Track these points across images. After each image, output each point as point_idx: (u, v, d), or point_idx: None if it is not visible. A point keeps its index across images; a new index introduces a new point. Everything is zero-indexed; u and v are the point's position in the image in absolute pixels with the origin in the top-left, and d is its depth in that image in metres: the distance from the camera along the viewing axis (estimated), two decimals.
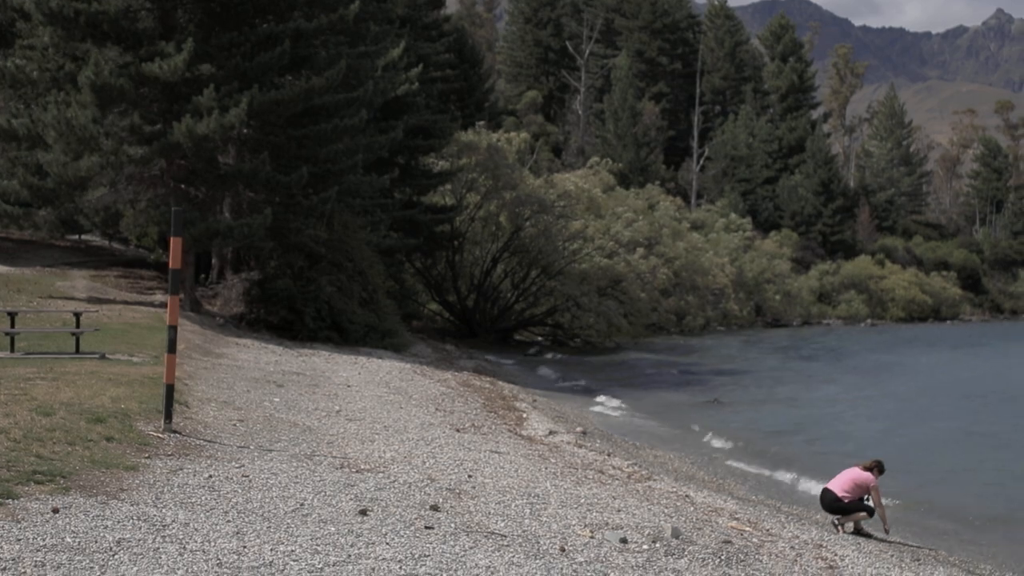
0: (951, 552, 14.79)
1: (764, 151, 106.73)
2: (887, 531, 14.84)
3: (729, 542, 11.38)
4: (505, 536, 10.02)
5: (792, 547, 12.09)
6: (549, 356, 44.59)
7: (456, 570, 8.72)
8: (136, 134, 28.73)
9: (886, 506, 15.04)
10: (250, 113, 27.90)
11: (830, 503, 14.91)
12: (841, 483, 14.89)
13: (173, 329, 13.03)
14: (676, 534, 11.08)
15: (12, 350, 19.02)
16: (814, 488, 18.37)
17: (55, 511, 8.86)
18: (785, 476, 20.21)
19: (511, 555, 9.36)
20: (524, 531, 10.35)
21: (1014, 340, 73.24)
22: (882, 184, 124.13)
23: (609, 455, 18.70)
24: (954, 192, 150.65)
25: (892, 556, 13.15)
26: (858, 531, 14.75)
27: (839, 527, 14.69)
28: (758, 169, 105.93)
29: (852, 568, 11.60)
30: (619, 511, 12.08)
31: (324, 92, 29.68)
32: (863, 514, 14.78)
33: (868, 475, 14.84)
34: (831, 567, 11.39)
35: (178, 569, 7.84)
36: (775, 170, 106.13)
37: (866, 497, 14.84)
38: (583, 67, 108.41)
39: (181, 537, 8.65)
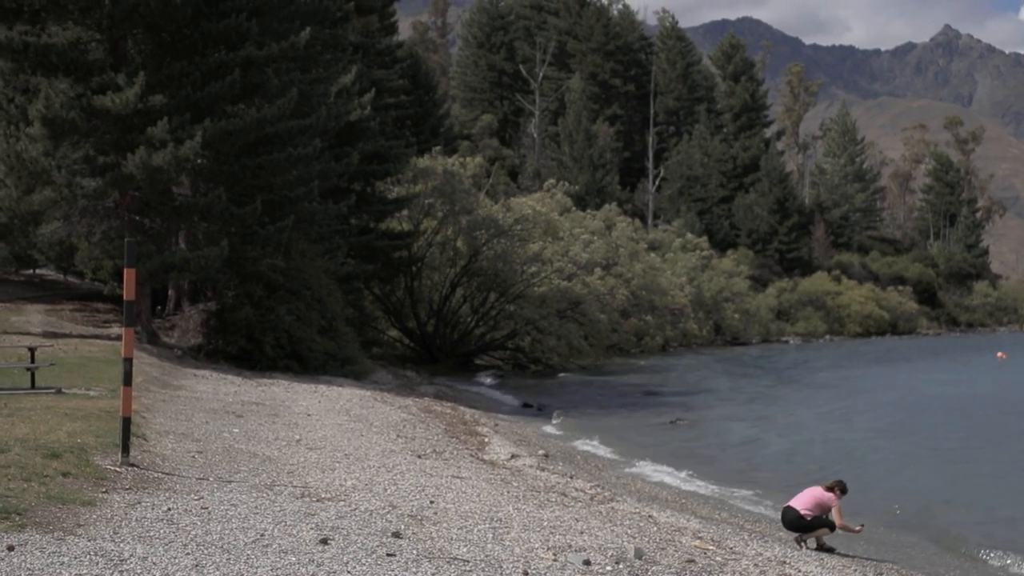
0: (914, 567, 14.86)
1: (719, 170, 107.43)
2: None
3: (692, 561, 11.38)
4: (468, 561, 9.97)
5: (756, 565, 12.10)
6: (511, 380, 44.53)
7: None
8: (89, 166, 28.56)
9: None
10: (204, 144, 27.77)
11: (792, 521, 14.93)
12: (803, 502, 14.91)
13: (128, 361, 12.91)
14: (639, 555, 11.06)
15: None
16: (776, 505, 18.44)
17: (10, 548, 8.73)
18: (747, 494, 20.26)
19: None
20: (487, 556, 10.30)
21: (968, 352, 73.91)
22: (836, 201, 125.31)
23: (572, 477, 18.67)
24: (908, 207, 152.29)
25: (855, 571, 13.19)
26: (821, 547, 14.78)
27: (802, 543, 14.72)
28: (713, 188, 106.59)
29: None
30: (582, 533, 12.05)
31: (277, 121, 29.60)
32: (825, 529, 14.83)
33: (830, 495, 14.89)
34: None
35: None
36: (730, 189, 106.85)
37: (828, 514, 14.89)
38: (537, 90, 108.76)
39: (139, 571, 8.54)
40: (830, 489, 14.98)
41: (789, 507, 15.02)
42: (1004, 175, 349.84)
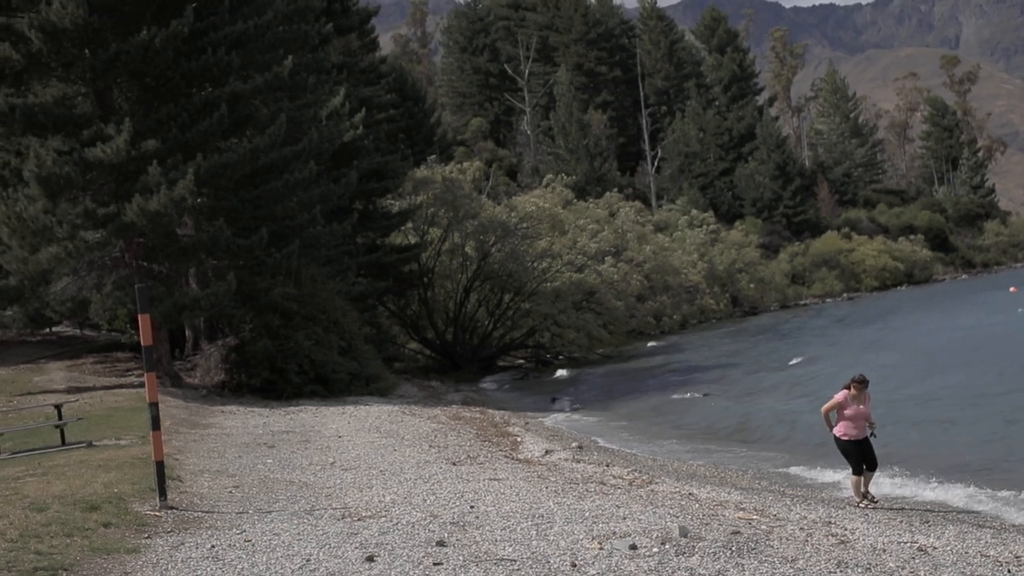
0: (959, 510, 14.85)
1: (716, 144, 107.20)
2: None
3: (738, 533, 11.38)
4: (515, 560, 9.98)
5: (801, 528, 12.10)
6: (536, 378, 44.56)
7: None
8: (90, 219, 28.62)
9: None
10: (199, 181, 27.81)
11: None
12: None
13: (154, 406, 12.95)
14: (684, 533, 11.06)
15: None
16: (813, 470, 18.49)
17: None
18: (783, 460, 20.24)
19: None
20: (533, 553, 10.31)
21: (984, 292, 73.64)
22: (836, 159, 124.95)
23: (608, 465, 18.69)
24: (909, 156, 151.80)
25: (901, 522, 13.18)
26: (870, 500, 14.72)
27: (860, 503, 14.74)
28: (712, 162, 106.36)
29: (864, 539, 11.61)
30: (625, 519, 12.05)
31: (269, 150, 29.64)
32: (854, 478, 14.89)
33: (839, 392, 15.01)
34: (842, 542, 11.40)
35: None
36: (729, 161, 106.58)
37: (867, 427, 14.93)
38: (525, 87, 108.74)
39: None
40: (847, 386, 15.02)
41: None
42: (1000, 112, 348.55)
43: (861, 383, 14.83)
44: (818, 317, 67.79)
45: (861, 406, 14.78)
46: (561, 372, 45.33)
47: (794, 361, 39.49)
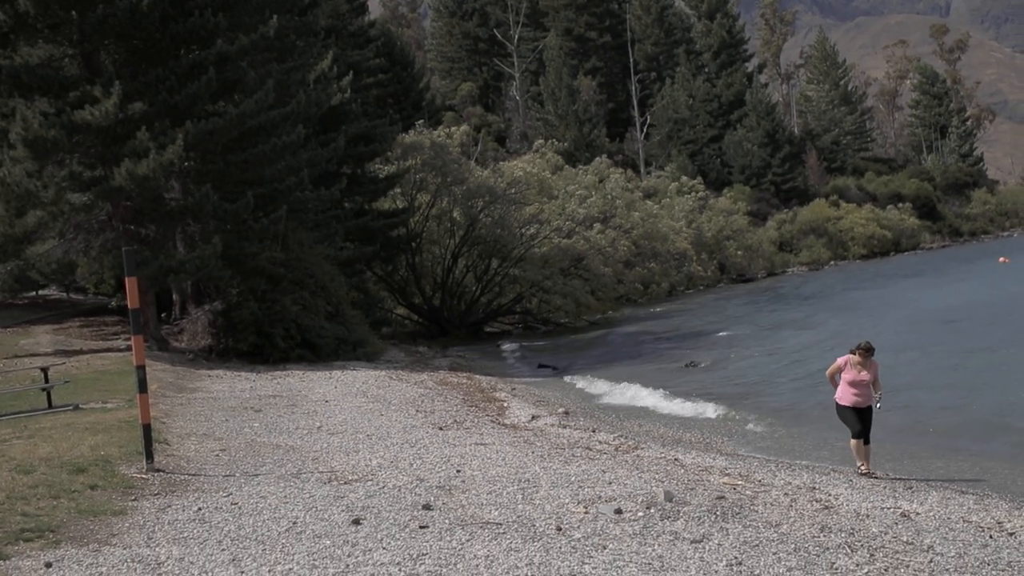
0: (943, 477, 14.93)
1: (705, 110, 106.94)
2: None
3: (723, 498, 11.44)
4: (500, 524, 10.04)
5: (786, 494, 12.17)
6: (523, 343, 44.55)
7: (455, 564, 8.74)
8: (76, 181, 28.50)
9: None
10: (187, 146, 27.69)
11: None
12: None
13: (141, 369, 12.95)
14: (669, 497, 11.13)
15: None
16: (793, 433, 18.60)
17: (48, 565, 8.79)
18: (763, 429, 20.30)
19: (508, 541, 9.38)
20: (519, 516, 10.37)
21: (968, 262, 73.78)
22: (825, 126, 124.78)
23: (594, 431, 18.76)
24: (898, 124, 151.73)
25: (885, 488, 13.27)
26: (868, 473, 14.74)
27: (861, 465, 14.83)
28: (702, 129, 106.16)
29: (847, 505, 11.69)
30: (610, 483, 12.12)
31: (257, 113, 29.50)
32: (853, 441, 14.94)
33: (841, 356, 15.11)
34: (826, 507, 11.47)
35: None
36: (718, 128, 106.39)
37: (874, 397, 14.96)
38: (514, 53, 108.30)
39: (177, 573, 8.62)
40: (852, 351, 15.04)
41: None
42: (990, 80, 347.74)
43: (867, 350, 14.79)
44: (808, 285, 67.90)
45: (863, 372, 14.75)
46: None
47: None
